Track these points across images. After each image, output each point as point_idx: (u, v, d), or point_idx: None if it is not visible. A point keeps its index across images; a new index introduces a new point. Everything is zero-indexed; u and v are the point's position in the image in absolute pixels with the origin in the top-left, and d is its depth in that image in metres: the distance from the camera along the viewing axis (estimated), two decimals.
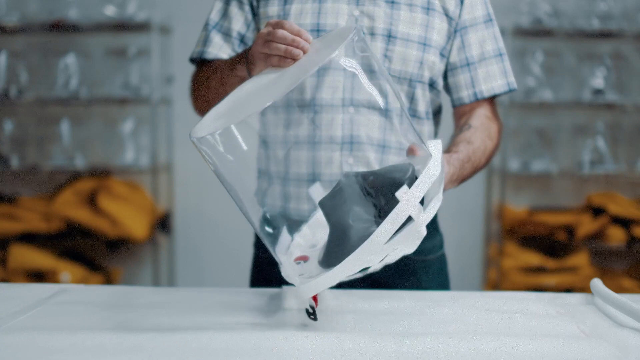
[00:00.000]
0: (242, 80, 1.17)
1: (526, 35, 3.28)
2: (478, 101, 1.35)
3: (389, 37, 1.27)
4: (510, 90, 1.37)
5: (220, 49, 1.37)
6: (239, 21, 1.36)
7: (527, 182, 3.46)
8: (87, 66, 3.31)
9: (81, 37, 3.35)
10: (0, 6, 3.26)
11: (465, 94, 1.34)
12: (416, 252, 1.22)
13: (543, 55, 3.29)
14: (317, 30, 1.27)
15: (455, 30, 1.32)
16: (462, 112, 1.38)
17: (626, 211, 3.25)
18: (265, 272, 1.43)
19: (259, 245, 1.45)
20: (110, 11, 3.23)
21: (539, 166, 3.30)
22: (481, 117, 1.33)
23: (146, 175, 3.35)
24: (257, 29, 1.34)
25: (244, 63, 1.16)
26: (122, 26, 3.25)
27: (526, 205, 3.42)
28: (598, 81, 3.26)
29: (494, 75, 1.33)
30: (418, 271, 1.31)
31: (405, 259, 1.32)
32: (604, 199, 3.30)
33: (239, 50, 1.38)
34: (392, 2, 1.28)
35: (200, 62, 1.41)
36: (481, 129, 1.31)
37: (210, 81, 1.32)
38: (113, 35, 3.34)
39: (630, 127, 3.38)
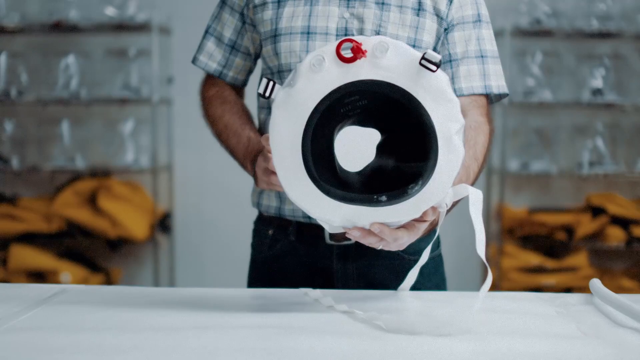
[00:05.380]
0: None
1: (525, 36, 3.28)
2: (469, 98, 1.31)
3: None
4: (488, 94, 1.33)
5: (210, 58, 1.41)
6: (229, 28, 1.39)
7: (526, 182, 3.47)
8: (87, 67, 3.31)
9: (81, 37, 3.36)
10: (0, 7, 3.26)
11: None
12: (411, 252, 1.23)
13: (542, 55, 3.30)
14: (308, 33, 1.28)
15: (445, 29, 1.31)
16: None
17: (625, 211, 3.25)
18: (262, 273, 1.43)
19: (256, 246, 1.46)
20: (110, 12, 3.24)
21: (539, 166, 3.30)
22: (468, 131, 1.27)
23: (146, 176, 3.36)
24: (258, 34, 1.35)
25: (252, 173, 1.30)
26: (122, 27, 3.25)
27: (526, 205, 3.42)
28: (597, 81, 3.27)
29: (474, 75, 1.32)
30: None
31: (400, 259, 1.33)
32: (604, 199, 3.30)
33: (231, 57, 1.41)
34: (382, 4, 1.28)
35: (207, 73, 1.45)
36: (466, 148, 1.24)
37: (222, 139, 1.41)
38: (113, 36, 3.35)
39: (629, 127, 3.38)
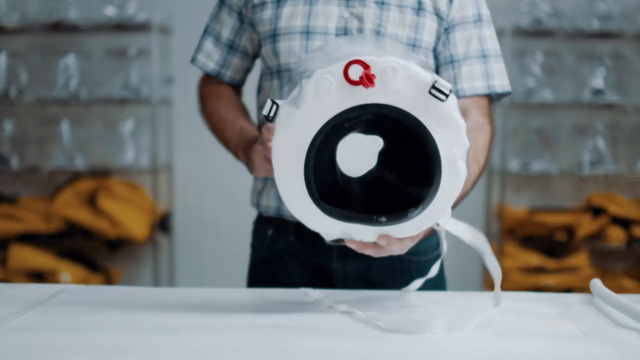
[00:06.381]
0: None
1: (526, 36, 3.28)
2: (470, 99, 1.31)
3: None
4: (491, 93, 1.32)
5: (208, 57, 1.41)
6: (228, 27, 1.39)
7: (527, 182, 3.46)
8: (87, 66, 3.31)
9: (81, 37, 3.35)
10: (0, 6, 3.26)
11: None
12: (411, 253, 1.23)
13: (543, 55, 3.29)
14: (307, 33, 1.27)
15: (445, 29, 1.31)
16: None
17: (626, 211, 3.25)
18: (262, 273, 1.43)
19: (255, 246, 1.45)
20: (110, 11, 3.23)
21: (539, 166, 3.30)
22: (469, 132, 1.23)
23: (146, 176, 3.35)
24: (257, 33, 1.35)
25: (246, 159, 1.26)
26: (122, 26, 3.25)
27: (526, 205, 3.42)
28: (598, 81, 3.26)
29: (476, 75, 1.31)
30: (413, 272, 1.31)
31: (399, 259, 1.33)
32: (604, 199, 3.30)
33: (228, 56, 1.41)
34: (382, 3, 1.28)
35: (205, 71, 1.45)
36: None
37: (217, 131, 1.41)
38: (113, 36, 3.34)
39: (630, 127, 3.38)
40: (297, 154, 0.97)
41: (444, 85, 0.94)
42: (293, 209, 1.00)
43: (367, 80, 0.93)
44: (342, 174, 1.09)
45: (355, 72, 0.94)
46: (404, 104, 0.95)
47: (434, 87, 0.94)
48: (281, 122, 0.96)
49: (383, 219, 0.99)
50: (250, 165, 1.24)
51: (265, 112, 0.97)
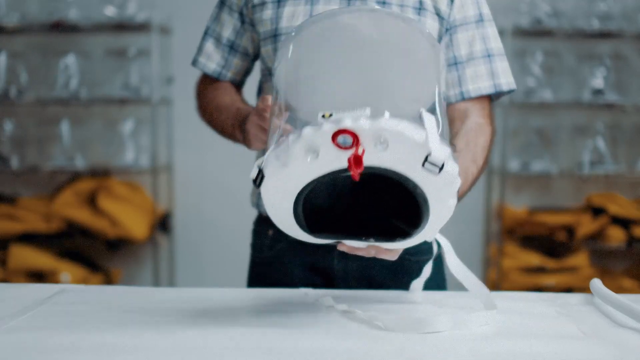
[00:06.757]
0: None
1: (526, 36, 3.28)
2: (471, 101, 1.32)
3: None
4: (497, 92, 1.33)
5: (209, 58, 1.41)
6: (228, 28, 1.38)
7: (527, 182, 3.46)
8: (87, 66, 3.31)
9: (81, 37, 3.35)
10: (0, 6, 3.26)
11: (452, 93, 1.32)
12: (412, 253, 1.23)
13: (543, 55, 3.30)
14: None
15: (446, 29, 1.31)
16: (450, 113, 1.33)
17: (626, 211, 3.25)
18: (262, 273, 1.43)
19: (255, 246, 1.45)
20: (110, 11, 3.24)
21: (539, 166, 3.30)
22: (468, 133, 1.28)
23: (146, 176, 3.35)
24: (257, 33, 1.35)
25: (242, 135, 1.23)
26: (122, 26, 3.25)
27: (526, 205, 3.42)
28: (598, 81, 3.27)
29: (481, 76, 1.31)
30: (413, 272, 1.31)
31: (400, 259, 1.33)
32: (604, 199, 3.30)
33: (229, 57, 1.40)
34: (383, 3, 1.28)
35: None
36: (465, 151, 1.26)
37: (213, 119, 1.39)
38: (113, 36, 3.34)
39: (630, 127, 3.38)
40: (286, 200, 0.95)
41: (437, 159, 0.89)
42: (286, 232, 1.02)
43: (355, 165, 0.88)
44: (335, 185, 1.09)
45: (345, 138, 0.88)
46: (395, 166, 0.91)
47: (427, 160, 0.89)
48: (268, 177, 0.93)
49: (372, 240, 1.00)
50: (246, 138, 1.21)
51: (252, 176, 0.93)
